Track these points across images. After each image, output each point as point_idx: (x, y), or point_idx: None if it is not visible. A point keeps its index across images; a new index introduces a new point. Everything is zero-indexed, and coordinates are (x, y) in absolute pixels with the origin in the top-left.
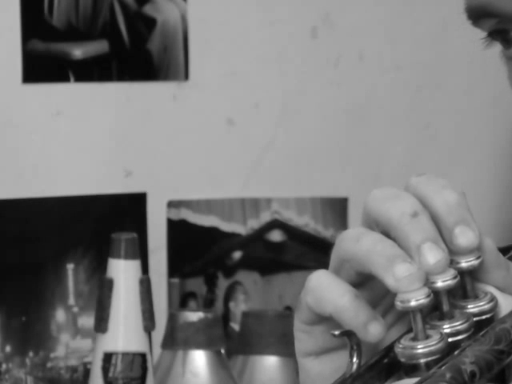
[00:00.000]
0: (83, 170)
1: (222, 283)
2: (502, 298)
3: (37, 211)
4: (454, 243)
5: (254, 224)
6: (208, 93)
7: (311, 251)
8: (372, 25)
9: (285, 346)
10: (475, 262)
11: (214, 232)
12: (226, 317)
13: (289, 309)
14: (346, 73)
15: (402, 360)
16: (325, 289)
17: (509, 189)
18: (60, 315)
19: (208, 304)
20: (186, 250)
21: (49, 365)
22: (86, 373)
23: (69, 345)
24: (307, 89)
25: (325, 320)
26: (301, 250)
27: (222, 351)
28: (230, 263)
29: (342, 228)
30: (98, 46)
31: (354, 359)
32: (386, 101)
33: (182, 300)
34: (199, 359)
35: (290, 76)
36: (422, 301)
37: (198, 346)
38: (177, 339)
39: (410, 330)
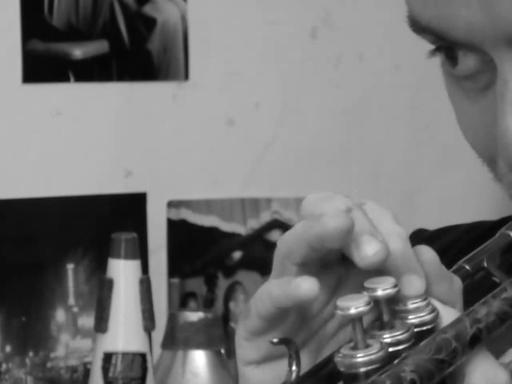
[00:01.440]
0: (83, 170)
1: (222, 283)
2: (443, 309)
3: (37, 211)
4: (404, 292)
5: (254, 224)
6: (208, 93)
7: None
8: (372, 25)
9: None
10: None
11: (214, 232)
12: (225, 317)
13: None
14: (346, 73)
15: (342, 369)
16: (269, 287)
17: None
18: (60, 315)
19: (208, 304)
20: (185, 249)
21: (49, 365)
22: (86, 373)
23: (69, 345)
24: (307, 89)
25: (271, 329)
26: None
27: (222, 351)
28: (229, 263)
29: None
30: (98, 46)
31: (293, 368)
32: (385, 101)
33: (181, 300)
34: (199, 359)
35: (290, 76)
36: (361, 308)
37: (198, 346)
38: (177, 339)
39: (350, 340)
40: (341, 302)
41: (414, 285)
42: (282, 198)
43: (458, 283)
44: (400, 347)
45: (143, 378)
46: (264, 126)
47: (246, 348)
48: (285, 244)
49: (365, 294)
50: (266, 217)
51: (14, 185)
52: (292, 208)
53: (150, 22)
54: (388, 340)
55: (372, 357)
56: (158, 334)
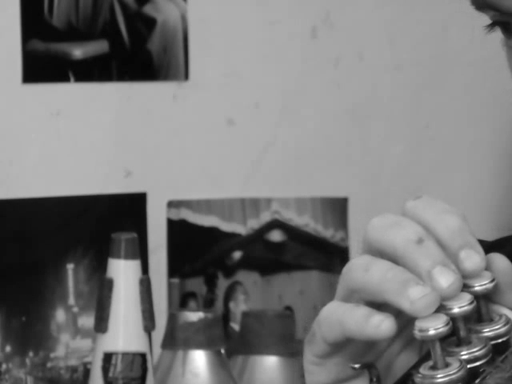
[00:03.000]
0: (83, 170)
1: (222, 283)
2: None
3: (37, 211)
4: (461, 268)
5: (253, 224)
6: (208, 93)
7: (311, 251)
8: (372, 25)
9: (285, 346)
10: (489, 286)
11: (214, 232)
12: (226, 317)
13: (289, 309)
14: (346, 73)
15: None
16: (339, 314)
17: (509, 189)
18: (60, 315)
19: (208, 304)
20: (186, 249)
21: (49, 365)
22: (86, 373)
23: (69, 345)
24: (307, 89)
25: (338, 351)
26: (301, 249)
27: (222, 351)
28: (229, 263)
29: (342, 228)
30: (98, 46)
31: None
32: (385, 101)
33: (181, 300)
34: (199, 359)
35: (290, 76)
36: (441, 329)
37: (198, 346)
38: (177, 339)
39: (424, 358)
40: (419, 323)
41: (472, 259)
42: (282, 197)
43: None
44: (478, 363)
45: (143, 377)
46: (264, 126)
47: (315, 373)
48: (354, 278)
49: (442, 314)
50: (266, 217)
51: (14, 185)
52: (292, 208)
53: (150, 22)
54: (466, 357)
55: (453, 376)
56: (158, 334)
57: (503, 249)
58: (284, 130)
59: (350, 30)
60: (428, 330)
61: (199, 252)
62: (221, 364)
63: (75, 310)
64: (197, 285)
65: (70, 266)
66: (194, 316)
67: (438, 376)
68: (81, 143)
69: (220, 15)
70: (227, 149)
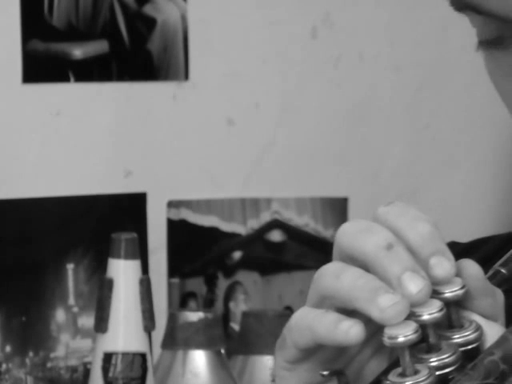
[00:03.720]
0: (83, 170)
1: (222, 283)
2: (487, 326)
3: (37, 211)
4: (431, 274)
5: (254, 224)
6: (208, 93)
7: (311, 251)
8: (372, 25)
9: None
10: (460, 292)
11: (214, 232)
12: (225, 317)
13: (289, 309)
14: (346, 73)
15: None
16: (309, 319)
17: (508, 189)
18: (60, 315)
19: (208, 304)
20: (186, 250)
21: (49, 365)
22: (86, 373)
23: (69, 345)
24: (307, 89)
25: (309, 357)
26: (301, 250)
27: (222, 351)
28: (229, 263)
29: None
30: (98, 46)
31: None
32: (385, 101)
33: (181, 300)
34: (199, 359)
35: (290, 76)
36: (410, 337)
37: (198, 346)
38: (177, 339)
39: (394, 364)
40: (389, 330)
41: (443, 265)
42: (282, 197)
43: (500, 297)
44: (447, 370)
45: (143, 378)
46: (264, 126)
47: (286, 378)
48: (325, 284)
49: (412, 322)
50: (266, 217)
51: (14, 185)
52: (292, 208)
53: (150, 22)
54: (435, 363)
55: None
56: (158, 334)
57: (478, 251)
58: (284, 129)
59: (350, 30)
60: (397, 338)
61: (199, 252)
62: (221, 364)
63: (75, 309)
64: (197, 285)
65: (70, 266)
66: (193, 316)
67: (407, 383)
68: (81, 143)
69: (220, 15)
70: (227, 149)
